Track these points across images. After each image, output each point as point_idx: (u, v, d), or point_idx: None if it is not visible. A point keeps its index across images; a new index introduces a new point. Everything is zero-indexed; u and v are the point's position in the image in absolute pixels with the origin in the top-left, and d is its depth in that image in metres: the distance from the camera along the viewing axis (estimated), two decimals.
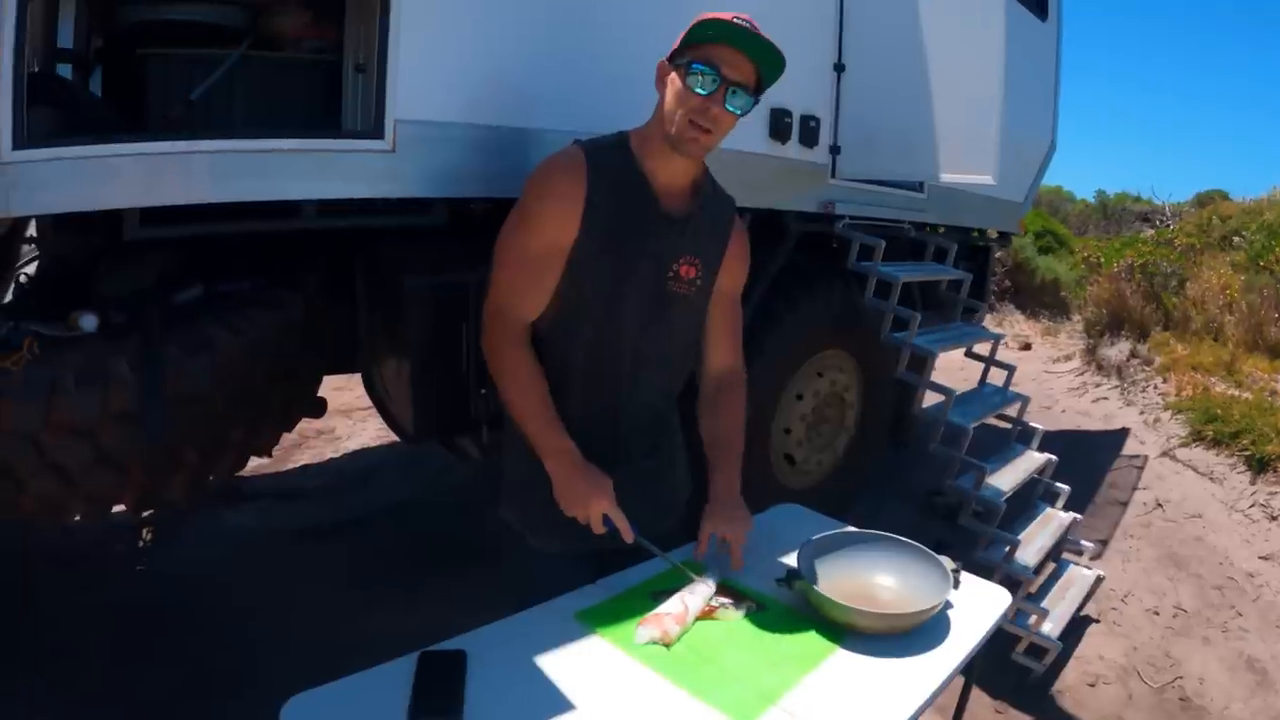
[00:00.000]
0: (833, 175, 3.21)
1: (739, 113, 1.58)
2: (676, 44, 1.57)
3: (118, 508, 2.10)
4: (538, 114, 2.12)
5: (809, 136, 3.01)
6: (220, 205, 1.72)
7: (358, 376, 3.16)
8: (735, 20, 1.52)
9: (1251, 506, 4.83)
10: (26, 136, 1.49)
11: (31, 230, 2.46)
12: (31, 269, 2.44)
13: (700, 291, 1.75)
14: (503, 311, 1.65)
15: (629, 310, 1.66)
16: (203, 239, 1.85)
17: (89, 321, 1.82)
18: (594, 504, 1.58)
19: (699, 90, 1.53)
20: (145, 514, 3.56)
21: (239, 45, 2.25)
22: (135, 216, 1.65)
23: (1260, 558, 4.32)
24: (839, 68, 3.09)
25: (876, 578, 1.66)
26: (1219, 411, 5.76)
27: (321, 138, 1.86)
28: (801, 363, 3.46)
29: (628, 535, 1.60)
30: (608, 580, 1.63)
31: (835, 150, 3.17)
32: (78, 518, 2.00)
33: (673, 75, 1.57)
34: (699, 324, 1.81)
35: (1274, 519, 4.68)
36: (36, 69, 1.99)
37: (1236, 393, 6.33)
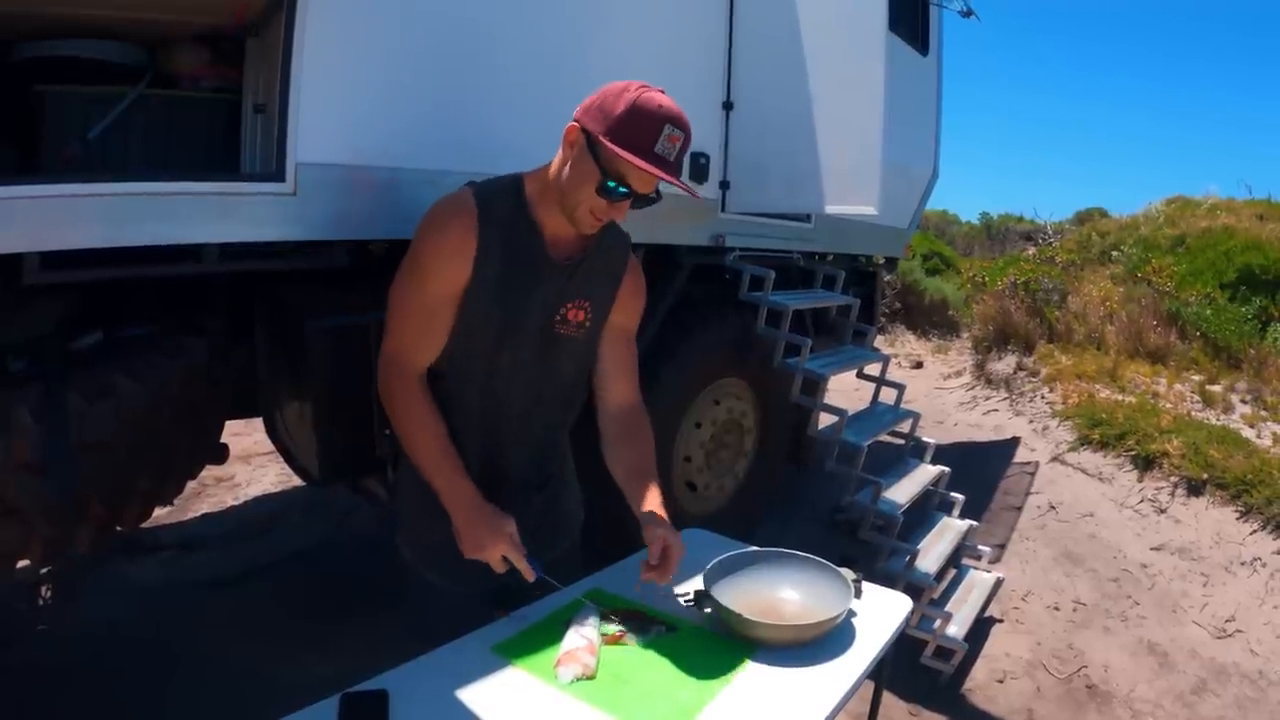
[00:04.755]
0: (723, 209, 3.29)
1: (637, 208, 1.61)
2: (600, 121, 1.49)
3: (21, 563, 2.03)
4: (439, 156, 2.15)
5: (699, 173, 3.08)
6: (122, 248, 1.69)
7: (256, 421, 3.09)
8: (661, 154, 1.48)
9: (1140, 502, 5.10)
10: None
11: None
12: None
13: (589, 333, 1.75)
14: (398, 360, 1.63)
15: (515, 354, 1.67)
16: (103, 283, 1.81)
17: None
18: (494, 547, 1.56)
19: (608, 198, 1.53)
20: (45, 570, 3.42)
21: (138, 83, 2.22)
22: (35, 260, 1.61)
23: (1152, 549, 4.58)
24: (728, 106, 3.19)
25: (781, 593, 1.72)
26: (1104, 416, 6.03)
27: (222, 180, 1.85)
28: (699, 392, 3.54)
29: (529, 575, 1.58)
30: (521, 612, 1.64)
31: (725, 185, 3.26)
32: None
33: (589, 165, 1.51)
34: (586, 364, 1.81)
35: (1162, 512, 4.95)
36: None
37: (1120, 397, 6.64)
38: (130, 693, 2.78)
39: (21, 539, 1.83)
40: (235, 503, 4.58)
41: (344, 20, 1.92)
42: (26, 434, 1.71)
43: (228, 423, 2.83)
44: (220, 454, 2.67)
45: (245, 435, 4.90)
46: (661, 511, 1.71)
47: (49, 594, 3.45)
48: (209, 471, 4.39)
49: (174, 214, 1.74)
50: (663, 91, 1.52)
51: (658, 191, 1.58)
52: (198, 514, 4.38)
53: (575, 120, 1.54)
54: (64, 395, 1.79)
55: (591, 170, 1.51)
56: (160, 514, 4.02)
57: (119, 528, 2.19)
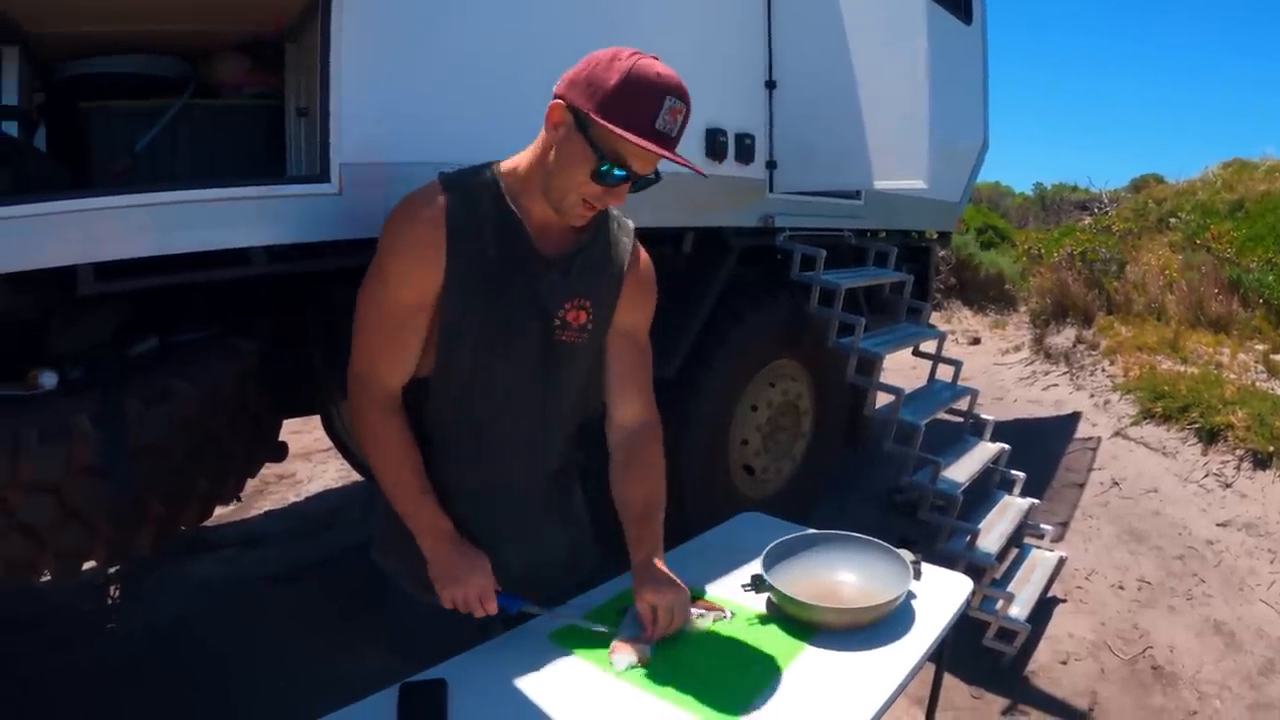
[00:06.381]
0: (770, 189, 3.27)
1: (636, 191, 1.44)
2: (590, 96, 1.32)
3: (87, 564, 2.09)
4: (481, 150, 2.14)
5: (745, 153, 3.06)
6: (173, 255, 1.71)
7: (315, 419, 3.14)
8: (662, 130, 1.32)
9: (1205, 477, 4.95)
10: None
11: None
12: None
13: (593, 336, 1.55)
14: (366, 378, 1.47)
15: (509, 369, 1.48)
16: (156, 290, 1.85)
17: (48, 378, 1.81)
18: (470, 584, 1.44)
19: (604, 183, 1.36)
20: (112, 570, 3.51)
21: (181, 95, 2.26)
22: (89, 271, 1.64)
23: (1218, 525, 4.44)
24: (770, 84, 3.15)
25: (839, 575, 1.71)
26: (1166, 388, 5.90)
27: (268, 184, 1.86)
28: (753, 375, 3.52)
29: (492, 610, 1.47)
30: (576, 601, 1.64)
31: (771, 165, 3.23)
32: (47, 577, 1.99)
33: (580, 147, 1.35)
34: (593, 374, 1.61)
35: (1228, 487, 4.80)
36: None
37: (1182, 369, 6.48)
38: (193, 688, 2.84)
39: (86, 541, 1.88)
40: (297, 499, 4.67)
41: (380, 19, 1.93)
42: (87, 440, 1.75)
43: (287, 420, 2.89)
44: (279, 452, 2.72)
45: (305, 433, 4.99)
46: (656, 564, 1.52)
47: (116, 594, 3.55)
48: (271, 469, 4.49)
49: (222, 219, 1.77)
50: (656, 58, 1.35)
51: (656, 173, 1.41)
52: (260, 511, 4.47)
53: (558, 97, 1.36)
54: (122, 401, 1.83)
55: (583, 153, 1.34)
56: (224, 512, 4.11)
57: (180, 527, 2.24)
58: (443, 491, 1.52)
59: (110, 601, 3.52)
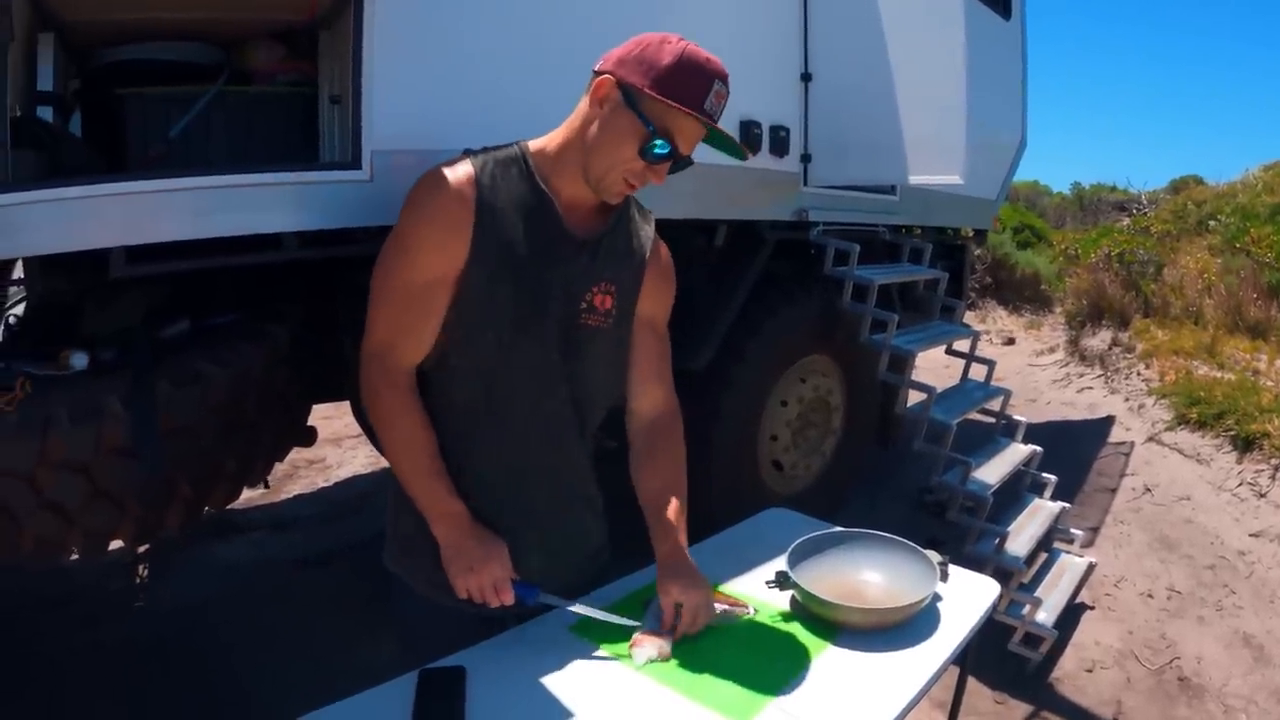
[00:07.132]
0: (805, 183, 3.25)
1: (672, 173, 1.45)
2: (643, 73, 1.34)
3: (114, 544, 2.11)
4: (512, 137, 2.16)
5: (779, 146, 3.04)
6: (204, 240, 1.72)
7: (345, 404, 3.13)
8: (710, 112, 1.36)
9: (1239, 485, 4.88)
10: (11, 179, 1.50)
11: (18, 271, 2.49)
12: (20, 309, 2.46)
13: (617, 322, 1.53)
14: (383, 355, 1.43)
15: (536, 350, 1.45)
16: (188, 273, 1.86)
17: (80, 359, 1.84)
18: (486, 573, 1.42)
19: (647, 159, 1.38)
20: (140, 550, 3.56)
21: (215, 82, 2.28)
22: (122, 254, 1.65)
23: (1250, 535, 4.37)
24: (806, 77, 3.13)
25: (864, 575, 1.69)
26: (1202, 394, 5.81)
27: (300, 170, 1.87)
28: (784, 369, 3.51)
29: (508, 600, 1.44)
30: (600, 591, 1.63)
31: (806, 158, 3.21)
32: (75, 555, 2.01)
33: (629, 121, 1.36)
34: (619, 358, 1.58)
35: (1262, 496, 4.72)
36: (18, 113, 2.01)
37: (1219, 374, 6.38)
38: (218, 669, 2.87)
39: (114, 520, 1.91)
40: (326, 484, 4.71)
41: (413, 6, 1.93)
42: (117, 420, 1.78)
43: (317, 406, 2.91)
44: (308, 437, 2.74)
45: (335, 418, 5.03)
46: (680, 554, 1.51)
47: (144, 574, 3.60)
48: (300, 454, 4.52)
49: (254, 204, 1.77)
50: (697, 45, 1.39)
51: (689, 157, 1.42)
52: (290, 495, 4.52)
53: (607, 73, 1.37)
54: (152, 382, 1.85)
55: (634, 127, 1.35)
56: (253, 496, 4.16)
57: (208, 508, 2.27)
58: (457, 477, 1.48)
59: (138, 581, 3.57)
